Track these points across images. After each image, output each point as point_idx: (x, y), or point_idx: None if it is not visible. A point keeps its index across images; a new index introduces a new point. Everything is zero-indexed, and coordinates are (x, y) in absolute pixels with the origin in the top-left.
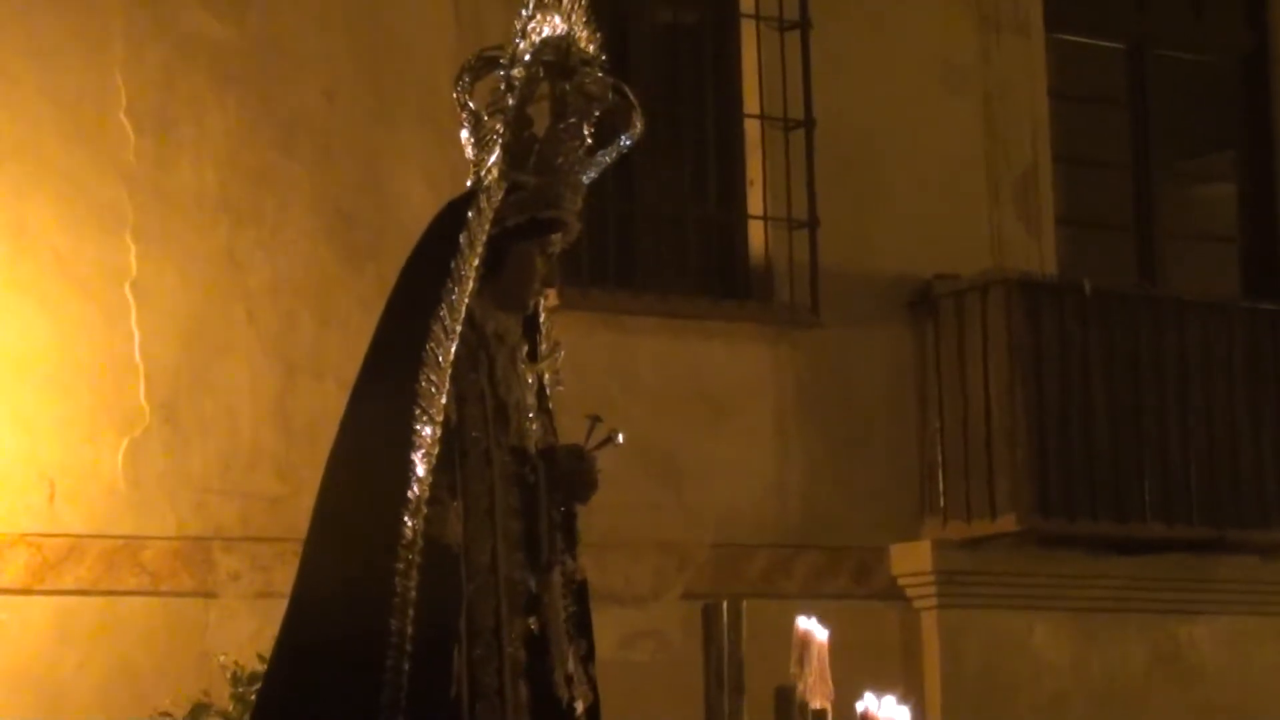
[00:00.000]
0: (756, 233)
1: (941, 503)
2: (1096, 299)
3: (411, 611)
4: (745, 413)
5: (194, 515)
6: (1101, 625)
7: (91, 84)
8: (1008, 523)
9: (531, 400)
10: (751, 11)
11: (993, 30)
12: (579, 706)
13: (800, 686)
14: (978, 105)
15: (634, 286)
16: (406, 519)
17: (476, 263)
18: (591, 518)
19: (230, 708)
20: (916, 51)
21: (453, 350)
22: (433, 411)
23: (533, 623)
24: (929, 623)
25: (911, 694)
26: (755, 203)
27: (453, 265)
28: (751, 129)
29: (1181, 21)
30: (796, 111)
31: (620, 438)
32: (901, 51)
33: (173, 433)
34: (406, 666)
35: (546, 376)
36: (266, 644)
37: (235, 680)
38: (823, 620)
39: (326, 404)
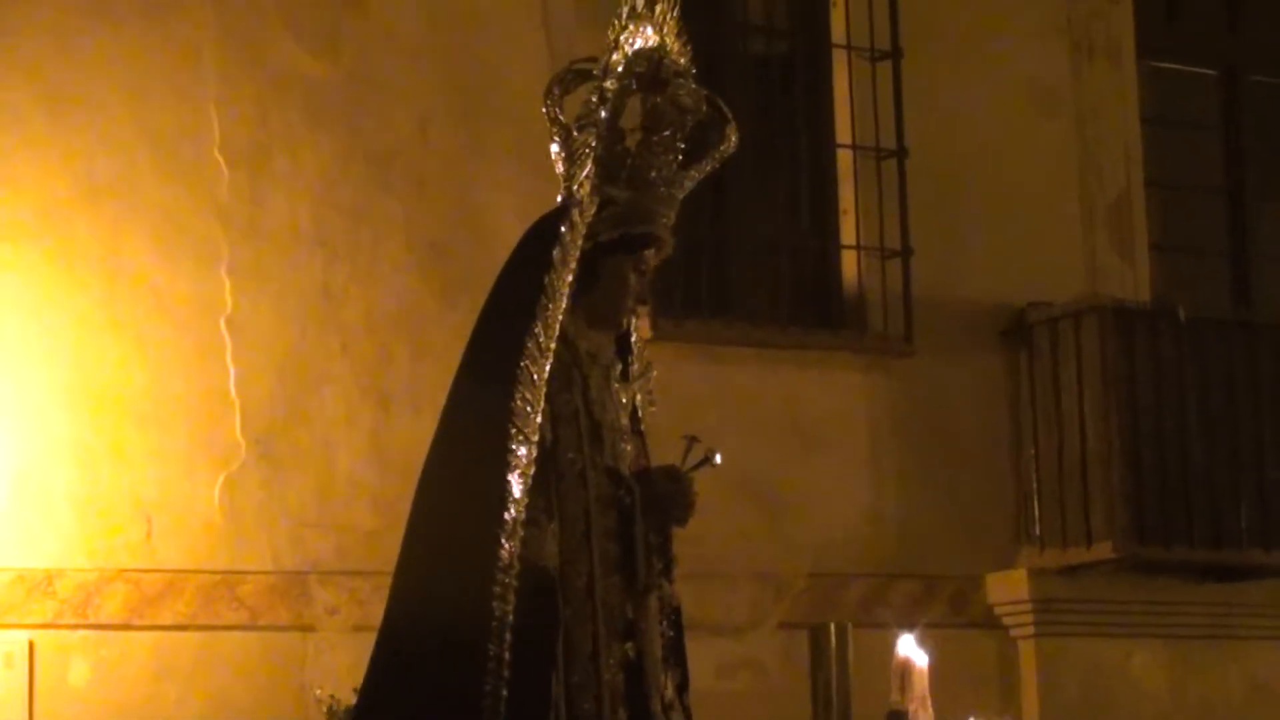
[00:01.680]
0: (850, 262)
1: (1037, 530)
2: (1191, 325)
3: (509, 636)
4: (839, 442)
5: (291, 549)
6: (1199, 652)
7: (186, 120)
8: (1104, 550)
9: (625, 421)
10: (843, 42)
11: (1084, 55)
12: None
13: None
14: (1070, 131)
15: (728, 316)
16: (504, 541)
17: (570, 278)
18: (687, 548)
19: None
20: (1008, 78)
21: (547, 368)
22: (528, 431)
23: (630, 648)
24: (1026, 651)
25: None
26: (848, 232)
27: (546, 281)
28: (844, 159)
29: (1275, 46)
30: (888, 141)
31: (718, 458)
32: (993, 78)
33: (269, 467)
34: (505, 693)
35: (639, 398)
36: (363, 677)
37: (331, 714)
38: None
39: (422, 437)
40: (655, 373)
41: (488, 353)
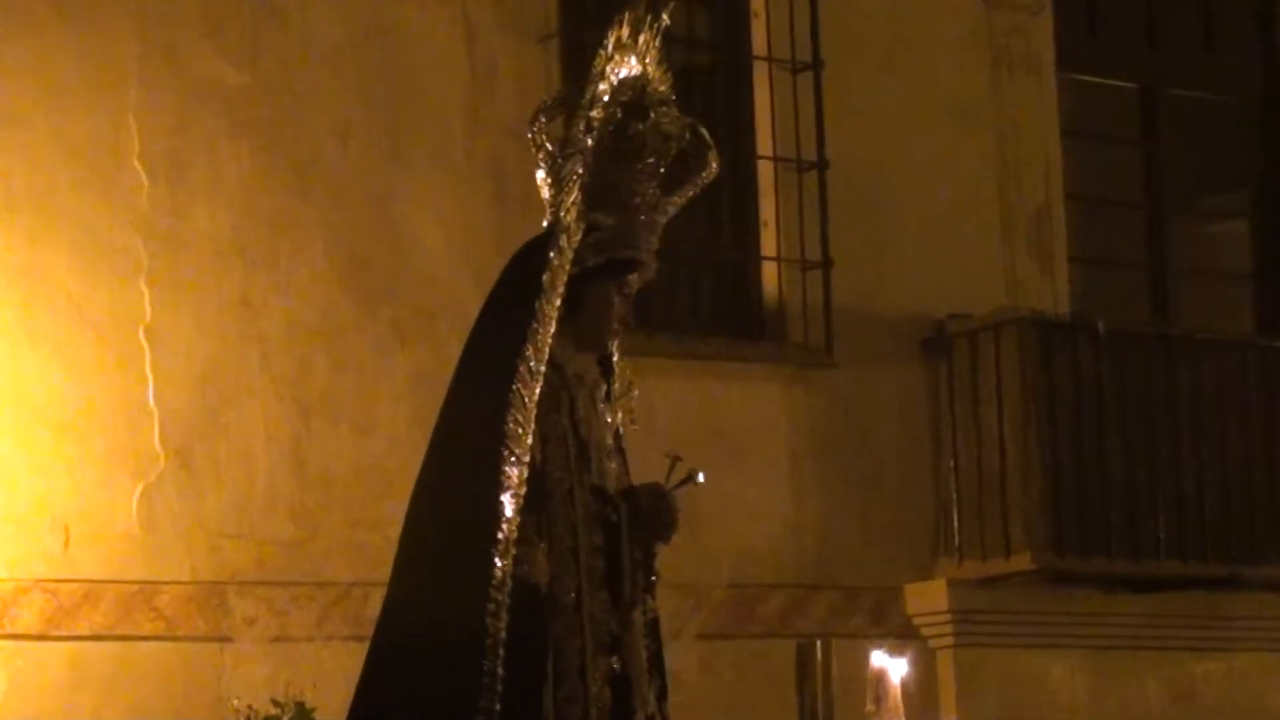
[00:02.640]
0: (770, 274)
1: (956, 541)
2: (1110, 338)
3: (502, 652)
4: (760, 453)
5: (209, 560)
6: (1117, 663)
7: (105, 130)
8: (1022, 561)
9: (610, 440)
10: (764, 53)
11: (1005, 69)
12: None
13: None
14: (990, 144)
15: (649, 328)
16: (497, 560)
17: (558, 303)
18: None
19: None
20: (929, 91)
21: (538, 391)
22: (520, 452)
23: (615, 662)
24: (945, 662)
25: None
26: (769, 244)
27: (537, 306)
28: (765, 170)
29: (1194, 60)
30: (809, 152)
31: (701, 477)
32: (914, 91)
33: (187, 477)
34: (498, 707)
35: (620, 416)
36: (281, 688)
37: None
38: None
39: (341, 448)
40: (636, 392)
41: (481, 375)
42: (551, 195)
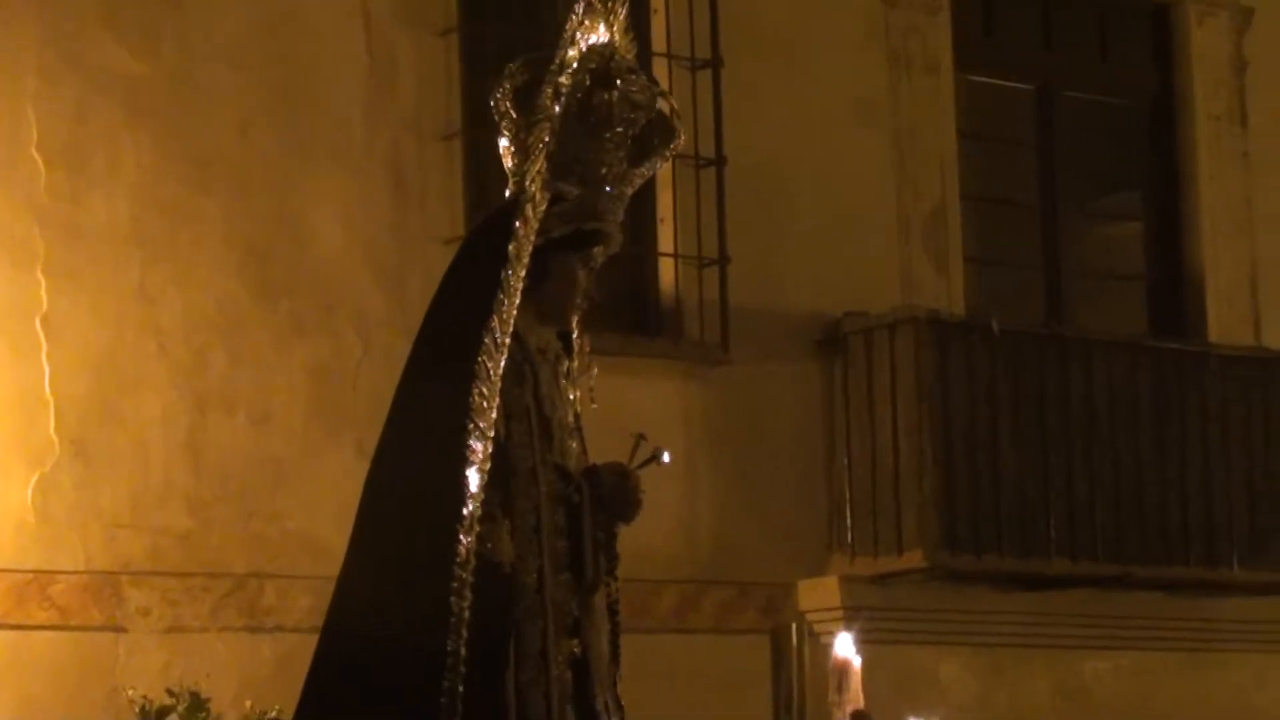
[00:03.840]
0: (667, 270)
1: (849, 538)
2: (1004, 337)
3: (465, 632)
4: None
5: (103, 550)
6: (1008, 660)
7: (2, 118)
8: (914, 559)
9: (570, 419)
10: (663, 50)
11: (903, 69)
12: None
13: (838, 714)
14: (887, 143)
15: None
16: (461, 537)
17: (523, 274)
18: None
19: None
20: (827, 89)
21: (502, 364)
22: (484, 426)
23: (576, 646)
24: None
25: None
26: (666, 240)
27: (502, 276)
28: (663, 166)
29: (1089, 63)
30: (707, 149)
31: (666, 456)
32: (812, 89)
33: (83, 467)
34: (461, 689)
35: (577, 394)
36: (175, 678)
37: (144, 714)
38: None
39: (237, 439)
40: (595, 370)
41: (443, 347)
42: (516, 164)
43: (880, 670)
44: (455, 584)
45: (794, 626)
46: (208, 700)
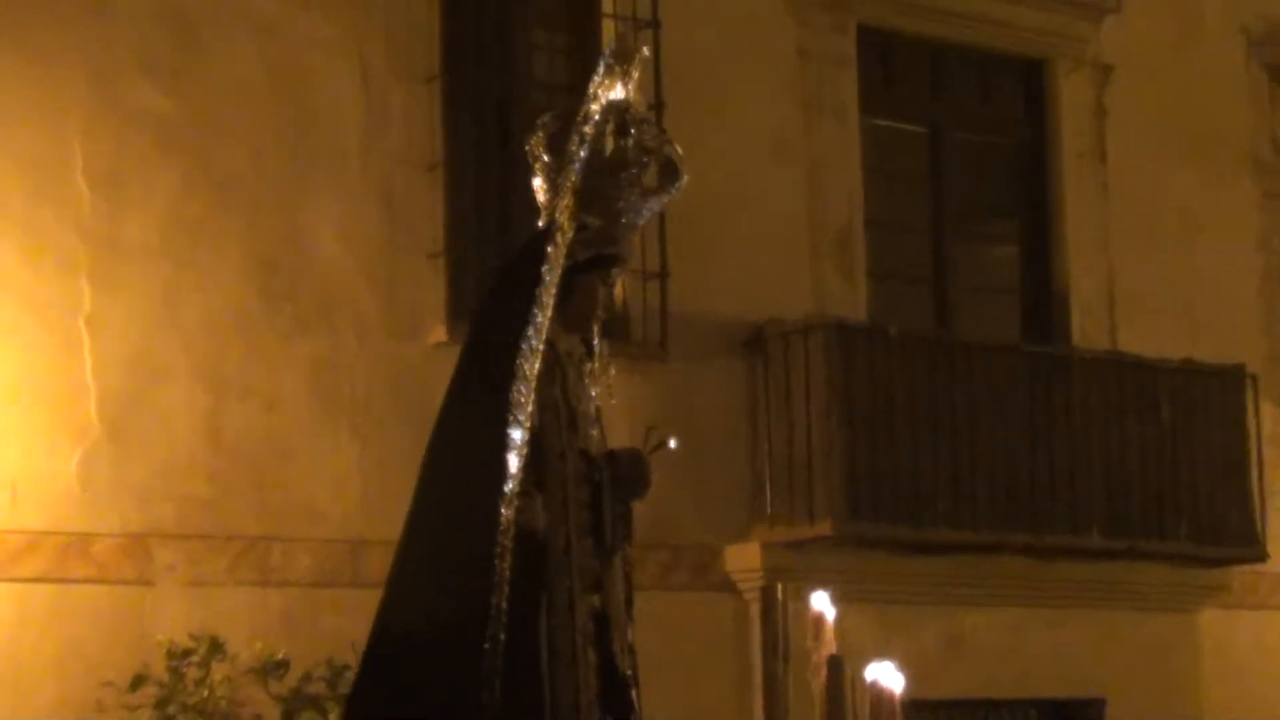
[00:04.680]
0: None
1: (769, 510)
2: (900, 341)
3: (506, 589)
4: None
5: (136, 515)
6: (901, 614)
7: (53, 149)
8: (824, 527)
9: (592, 410)
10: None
11: (815, 114)
12: (632, 677)
13: (815, 659)
14: (802, 176)
15: None
16: (503, 509)
17: (554, 291)
18: None
19: (165, 678)
20: (752, 131)
21: (537, 366)
22: (522, 418)
23: (597, 600)
24: (757, 613)
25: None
26: None
27: (537, 293)
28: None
29: (973, 109)
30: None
31: (673, 443)
32: (740, 131)
33: (118, 445)
34: (502, 636)
35: (598, 390)
36: (197, 625)
37: (170, 656)
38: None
39: (250, 422)
40: (613, 370)
41: (490, 352)
42: (547, 199)
43: (793, 623)
44: (498, 548)
45: (779, 586)
46: (224, 643)
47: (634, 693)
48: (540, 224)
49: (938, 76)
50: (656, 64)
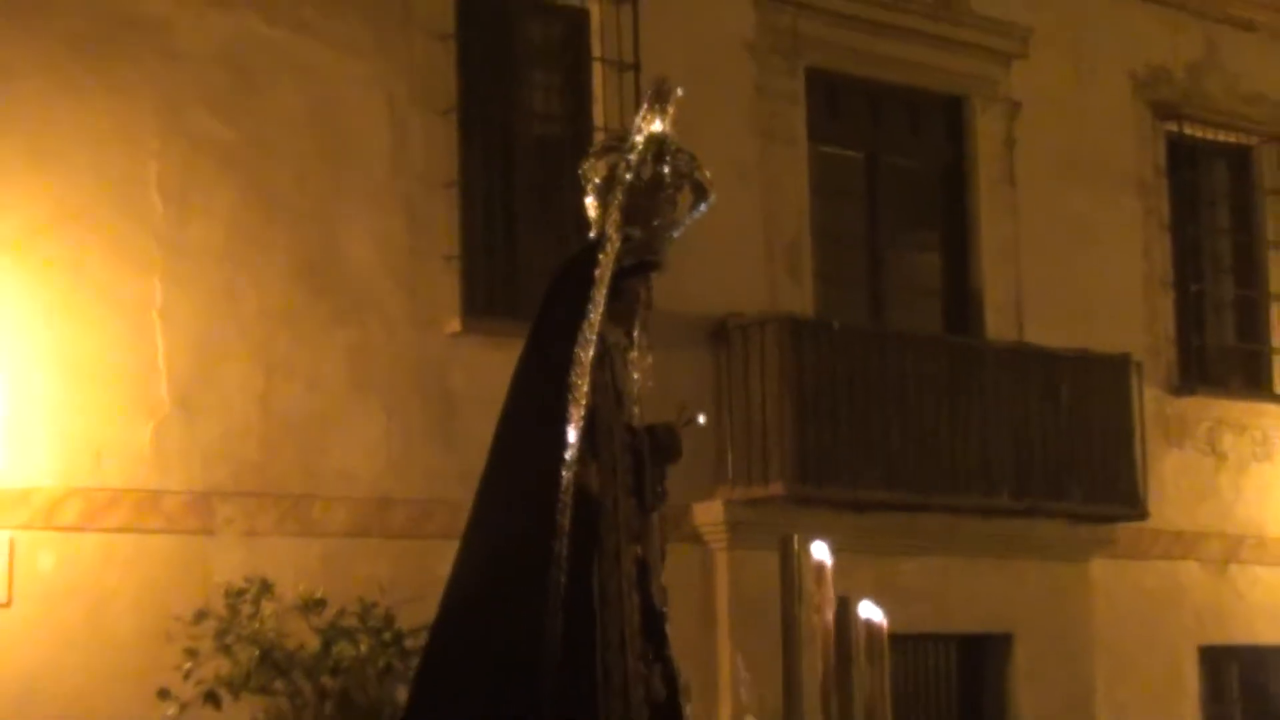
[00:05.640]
0: None
1: (730, 474)
2: (842, 333)
3: (565, 539)
4: None
5: (200, 476)
6: (842, 563)
7: (131, 168)
8: (777, 488)
9: (634, 391)
10: (602, 126)
11: (770, 141)
12: (666, 613)
13: (817, 600)
14: (758, 194)
15: (519, 317)
16: (564, 473)
17: (605, 292)
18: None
19: (223, 613)
20: (714, 156)
21: (591, 354)
22: (579, 397)
23: (638, 549)
24: (720, 560)
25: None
26: None
27: (591, 293)
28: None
29: (904, 138)
30: None
31: (702, 419)
32: (706, 155)
33: (185, 417)
34: (562, 578)
35: (637, 375)
36: (250, 569)
37: (228, 595)
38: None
39: (295, 398)
40: (650, 360)
41: (551, 341)
42: (598, 215)
43: (749, 566)
44: (559, 505)
45: (795, 536)
46: (272, 584)
47: (667, 626)
48: (591, 235)
49: (874, 110)
50: (637, 100)
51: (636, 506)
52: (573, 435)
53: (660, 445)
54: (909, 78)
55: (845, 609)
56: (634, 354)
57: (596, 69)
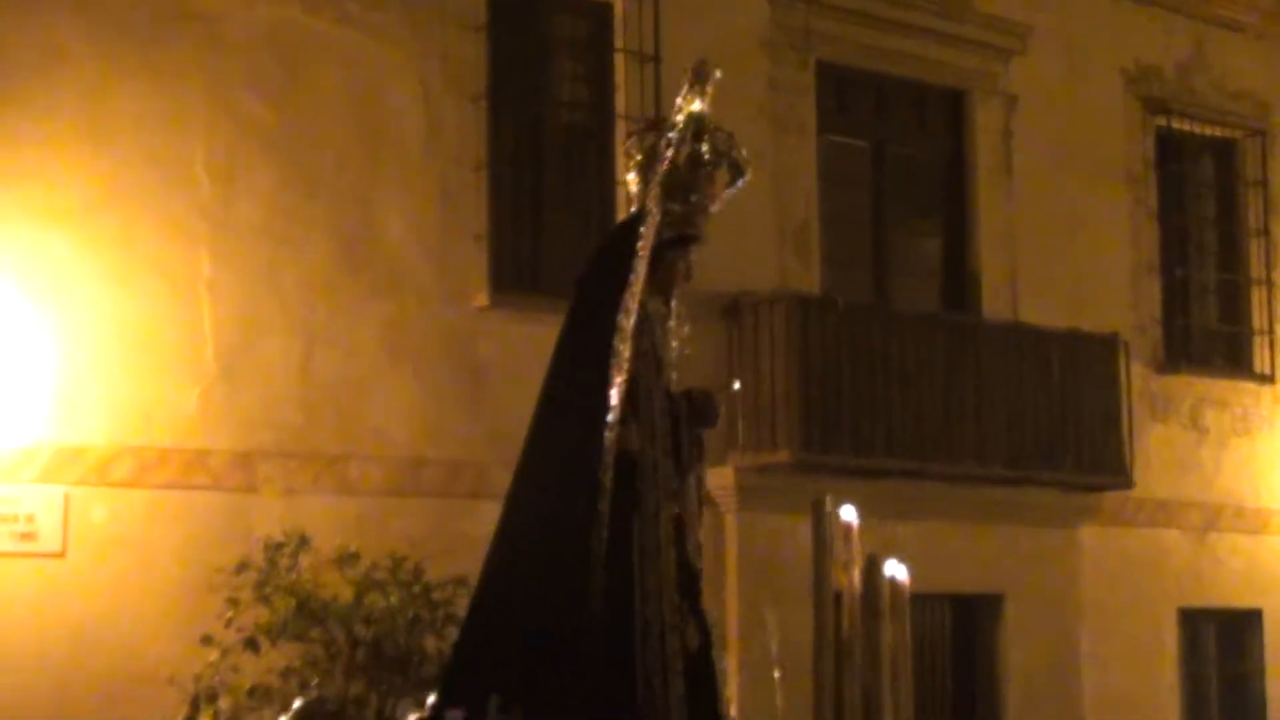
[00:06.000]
0: None
1: (740, 441)
2: (847, 311)
3: (608, 497)
4: None
5: (243, 437)
6: None
7: (180, 149)
8: (784, 456)
9: (672, 358)
10: (623, 113)
11: (782, 131)
12: (701, 569)
13: (845, 558)
14: (770, 181)
15: (543, 293)
16: (606, 433)
17: (647, 263)
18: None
19: (263, 565)
20: None
21: (633, 322)
22: (622, 362)
23: (675, 507)
24: (730, 522)
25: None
26: None
27: (634, 264)
28: (621, 191)
29: (907, 129)
30: None
31: (736, 385)
32: None
33: (230, 382)
34: (605, 534)
35: (676, 343)
36: (289, 524)
37: (268, 549)
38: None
39: (333, 365)
40: (688, 329)
41: (596, 309)
42: (640, 191)
43: (758, 528)
44: (602, 464)
45: (828, 498)
46: (310, 539)
47: (701, 582)
48: (633, 210)
49: (880, 103)
50: (657, 90)
51: (674, 468)
52: (615, 397)
53: (697, 410)
54: (913, 72)
55: (874, 567)
56: (672, 322)
57: (619, 60)
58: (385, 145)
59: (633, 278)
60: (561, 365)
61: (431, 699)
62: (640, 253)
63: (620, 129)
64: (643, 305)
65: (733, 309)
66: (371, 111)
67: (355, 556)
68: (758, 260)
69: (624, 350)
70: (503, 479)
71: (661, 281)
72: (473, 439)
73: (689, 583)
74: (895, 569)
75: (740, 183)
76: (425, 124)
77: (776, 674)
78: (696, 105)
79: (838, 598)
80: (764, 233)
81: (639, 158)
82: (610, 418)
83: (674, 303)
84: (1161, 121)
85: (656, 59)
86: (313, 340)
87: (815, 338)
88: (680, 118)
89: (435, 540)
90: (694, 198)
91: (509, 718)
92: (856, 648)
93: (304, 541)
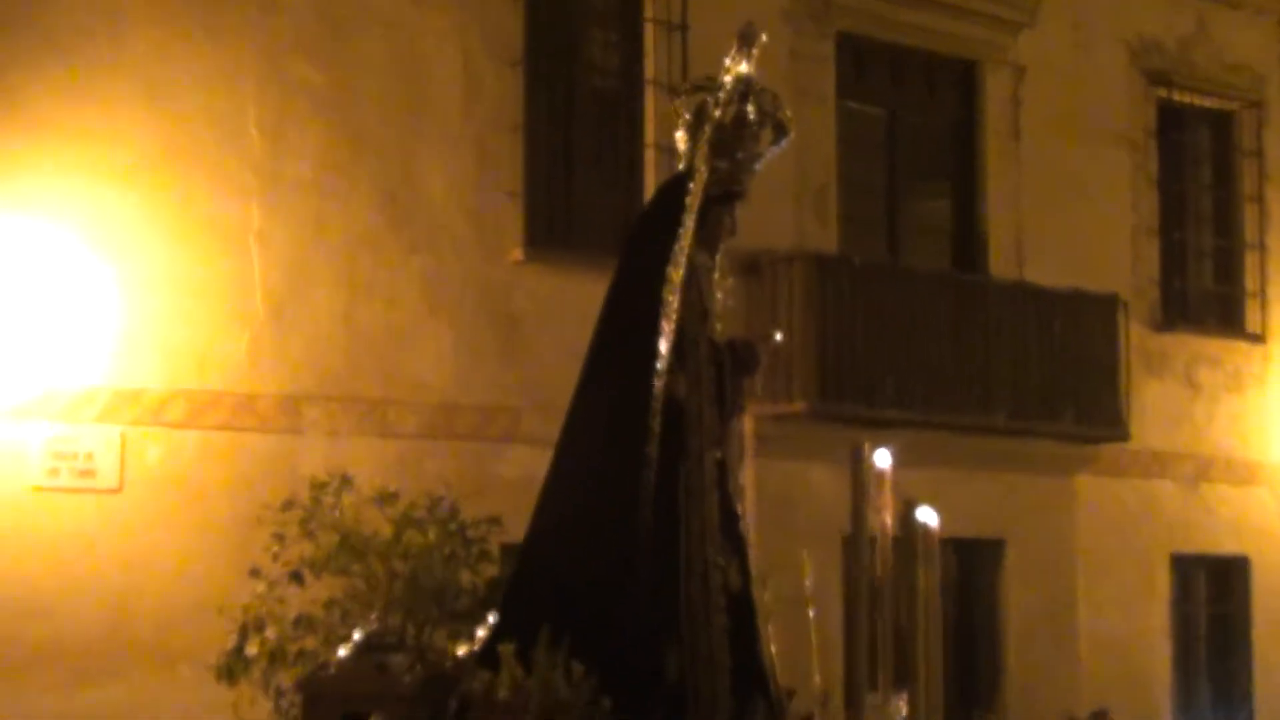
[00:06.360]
0: None
1: (758, 391)
2: (862, 269)
3: (655, 441)
4: None
5: (290, 381)
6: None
7: (232, 107)
8: (799, 406)
9: (717, 309)
10: (652, 79)
11: (802, 98)
12: (742, 511)
13: (878, 501)
14: (790, 145)
15: (575, 248)
16: (655, 381)
17: (695, 218)
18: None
19: (308, 503)
20: None
21: (681, 274)
22: (670, 313)
23: (719, 453)
24: (749, 469)
25: None
26: None
27: (683, 218)
28: (650, 155)
29: (921, 97)
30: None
31: (779, 336)
32: None
33: (278, 328)
34: (651, 477)
35: (720, 295)
36: (333, 464)
37: (313, 487)
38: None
39: (375, 315)
40: (731, 280)
41: (647, 263)
42: (688, 148)
43: (774, 473)
44: (651, 411)
45: (866, 444)
46: (352, 479)
47: (742, 524)
48: (681, 167)
49: (895, 72)
50: (684, 57)
51: (718, 415)
52: (664, 347)
53: (740, 359)
54: (927, 43)
55: (909, 511)
56: (716, 275)
57: (649, 29)
58: (427, 107)
59: (681, 231)
60: (612, 314)
61: (480, 631)
62: (689, 208)
63: (649, 94)
64: (690, 258)
65: (754, 267)
66: (414, 75)
67: (394, 495)
68: (778, 221)
69: (672, 301)
70: (533, 424)
71: (708, 236)
72: (505, 386)
73: (730, 525)
74: (927, 515)
75: (784, 142)
76: (465, 87)
77: (811, 612)
78: (743, 67)
79: (871, 541)
80: (784, 195)
81: (688, 117)
82: (659, 365)
83: (719, 256)
84: (1162, 93)
85: (684, 27)
86: (356, 290)
87: (831, 295)
88: (728, 79)
89: (469, 481)
90: (739, 155)
91: (558, 649)
92: (888, 589)
93: (346, 481)
